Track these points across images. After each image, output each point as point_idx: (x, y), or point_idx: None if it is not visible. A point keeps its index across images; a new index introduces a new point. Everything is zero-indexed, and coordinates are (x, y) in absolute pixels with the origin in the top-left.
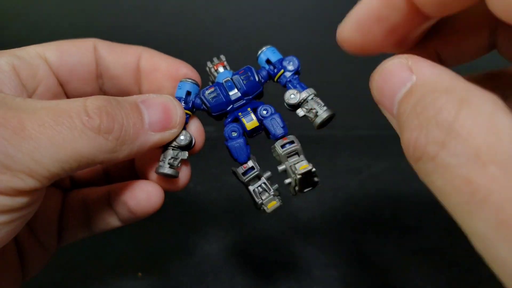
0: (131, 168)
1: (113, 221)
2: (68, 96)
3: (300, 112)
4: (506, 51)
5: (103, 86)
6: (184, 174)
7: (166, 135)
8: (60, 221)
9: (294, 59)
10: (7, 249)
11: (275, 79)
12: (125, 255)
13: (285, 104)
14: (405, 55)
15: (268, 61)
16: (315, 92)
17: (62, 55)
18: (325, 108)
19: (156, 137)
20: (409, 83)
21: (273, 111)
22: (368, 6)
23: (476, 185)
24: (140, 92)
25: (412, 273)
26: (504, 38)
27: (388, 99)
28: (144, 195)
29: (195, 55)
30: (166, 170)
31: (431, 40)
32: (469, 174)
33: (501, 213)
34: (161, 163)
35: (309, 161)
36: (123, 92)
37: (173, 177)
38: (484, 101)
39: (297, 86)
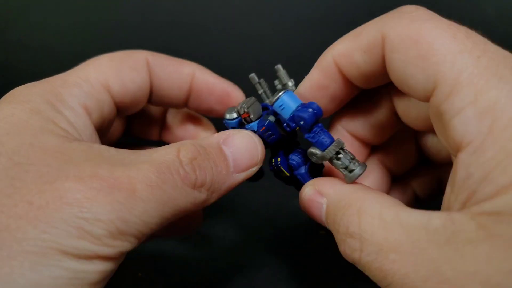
0: None
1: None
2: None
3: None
4: (404, 115)
5: (150, 100)
6: None
7: (249, 174)
8: None
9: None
10: None
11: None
12: (125, 255)
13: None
14: (312, 181)
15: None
16: (341, 146)
17: (124, 83)
18: (356, 163)
19: (241, 177)
20: (324, 205)
21: (300, 162)
22: (312, 78)
23: (385, 271)
24: (185, 106)
25: None
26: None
27: (318, 219)
28: None
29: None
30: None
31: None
32: (380, 265)
33: (404, 285)
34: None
35: (308, 161)
36: (168, 104)
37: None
38: (373, 206)
39: (318, 140)
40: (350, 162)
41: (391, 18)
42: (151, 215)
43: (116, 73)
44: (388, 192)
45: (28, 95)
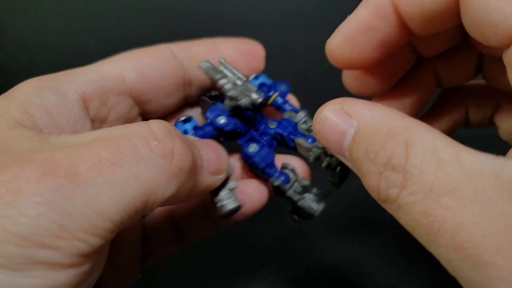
0: None
1: (207, 230)
2: (147, 115)
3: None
4: (491, 78)
5: (190, 94)
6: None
7: (217, 180)
8: (143, 247)
9: (286, 84)
10: None
11: (269, 101)
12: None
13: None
14: (339, 100)
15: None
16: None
17: (144, 72)
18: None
19: (210, 180)
20: (352, 129)
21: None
22: (358, 17)
23: (433, 217)
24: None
25: (412, 273)
26: (487, 63)
27: (335, 146)
28: (252, 187)
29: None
30: (231, 204)
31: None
32: (426, 208)
33: (456, 237)
34: (219, 204)
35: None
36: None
37: (238, 210)
38: (425, 138)
39: (293, 108)
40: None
41: None
42: (104, 202)
43: (133, 63)
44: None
45: (21, 86)
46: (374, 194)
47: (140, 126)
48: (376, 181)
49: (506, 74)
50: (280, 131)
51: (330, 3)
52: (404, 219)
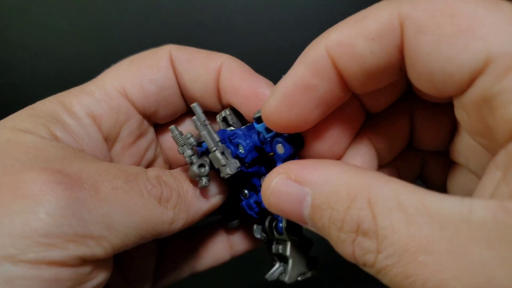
0: None
1: (226, 255)
2: (158, 123)
3: None
4: (421, 138)
5: (190, 98)
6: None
7: (215, 202)
8: (158, 266)
9: (285, 145)
10: None
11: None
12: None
13: None
14: (282, 169)
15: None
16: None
17: (143, 86)
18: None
19: (207, 205)
20: (308, 197)
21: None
22: (295, 75)
23: (413, 277)
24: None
25: None
26: (420, 120)
27: (295, 217)
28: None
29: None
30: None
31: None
32: (405, 269)
33: None
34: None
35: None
36: (208, 109)
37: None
38: (386, 194)
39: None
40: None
41: None
42: (116, 220)
43: (133, 76)
44: None
45: (39, 105)
46: (350, 260)
47: (140, 169)
48: (350, 249)
49: (436, 133)
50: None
51: (330, 5)
52: (386, 281)
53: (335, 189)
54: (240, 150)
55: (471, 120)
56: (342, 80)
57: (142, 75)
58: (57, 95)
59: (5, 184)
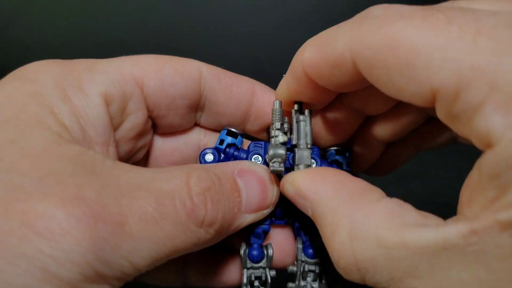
0: None
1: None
2: (158, 129)
3: None
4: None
5: (200, 118)
6: None
7: (259, 216)
8: (183, 272)
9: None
10: None
11: None
12: None
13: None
14: (292, 176)
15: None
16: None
17: (163, 85)
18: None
19: (249, 219)
20: (309, 210)
21: None
22: (287, 82)
23: None
24: (241, 128)
25: None
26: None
27: (305, 211)
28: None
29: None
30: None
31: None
32: None
33: None
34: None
35: None
36: (221, 126)
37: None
38: (366, 227)
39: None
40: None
41: (357, 28)
42: (140, 256)
43: (155, 71)
44: None
45: (39, 73)
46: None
47: (180, 181)
48: (341, 272)
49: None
50: (299, 224)
51: (331, 5)
52: None
53: (324, 213)
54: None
55: (453, 125)
56: (322, 87)
57: (165, 75)
58: (62, 64)
59: (17, 213)
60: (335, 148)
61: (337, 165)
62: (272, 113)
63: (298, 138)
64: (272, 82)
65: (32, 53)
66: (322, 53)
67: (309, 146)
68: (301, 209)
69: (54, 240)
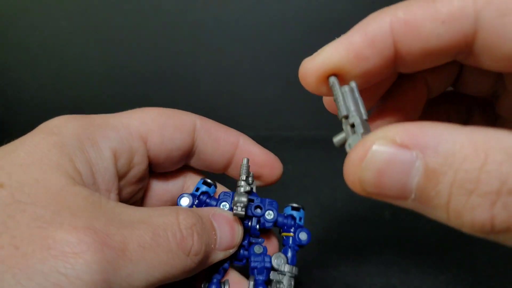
0: None
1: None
2: (151, 168)
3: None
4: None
5: (189, 162)
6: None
7: (227, 254)
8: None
9: (308, 235)
10: None
11: (281, 231)
12: None
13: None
14: (381, 132)
15: (292, 217)
16: (296, 274)
17: (163, 141)
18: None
19: (220, 256)
20: (418, 163)
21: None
22: (350, 43)
23: None
24: (224, 171)
25: (412, 273)
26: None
27: (396, 190)
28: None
29: (194, 56)
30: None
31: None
32: None
33: None
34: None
35: (307, 161)
36: (207, 168)
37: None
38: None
39: (291, 256)
40: None
41: None
42: (137, 278)
43: (158, 128)
44: None
45: (62, 128)
46: (480, 230)
47: (171, 217)
48: (487, 214)
49: (480, 81)
50: (253, 265)
51: (330, 5)
52: None
53: (457, 148)
54: (268, 217)
55: None
56: (398, 57)
57: (166, 131)
58: (81, 119)
59: (38, 238)
60: (291, 204)
61: (292, 219)
62: (241, 167)
63: (348, 109)
64: (272, 81)
65: (32, 53)
66: (429, 8)
67: (364, 117)
68: (387, 180)
69: (67, 261)
